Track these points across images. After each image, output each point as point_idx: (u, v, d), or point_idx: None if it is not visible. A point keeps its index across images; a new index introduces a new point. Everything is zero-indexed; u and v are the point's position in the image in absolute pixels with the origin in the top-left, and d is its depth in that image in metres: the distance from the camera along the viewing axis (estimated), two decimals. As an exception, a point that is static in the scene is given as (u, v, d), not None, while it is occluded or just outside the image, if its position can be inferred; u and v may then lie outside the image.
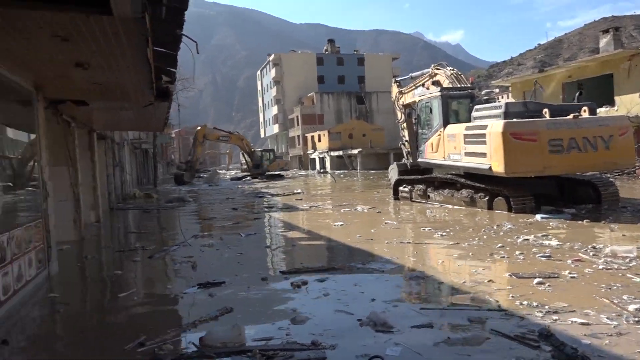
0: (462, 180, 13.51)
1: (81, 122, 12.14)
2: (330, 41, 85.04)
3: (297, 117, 74.97)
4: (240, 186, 32.51)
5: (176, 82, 8.79)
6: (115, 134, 20.38)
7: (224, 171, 79.01)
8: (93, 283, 7.44)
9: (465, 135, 12.92)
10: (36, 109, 7.31)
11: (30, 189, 6.96)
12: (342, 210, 14.54)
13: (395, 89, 18.95)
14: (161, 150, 66.62)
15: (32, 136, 7.18)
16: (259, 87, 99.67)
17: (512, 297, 5.35)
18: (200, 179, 41.97)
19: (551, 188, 13.19)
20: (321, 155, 63.60)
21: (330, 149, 60.52)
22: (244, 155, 46.19)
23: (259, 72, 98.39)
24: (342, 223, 11.70)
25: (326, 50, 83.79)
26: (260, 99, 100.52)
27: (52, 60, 5.75)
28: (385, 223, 11.35)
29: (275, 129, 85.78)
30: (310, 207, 16.18)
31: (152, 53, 5.38)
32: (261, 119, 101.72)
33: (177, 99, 9.12)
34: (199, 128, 40.45)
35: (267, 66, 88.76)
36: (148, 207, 18.31)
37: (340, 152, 57.95)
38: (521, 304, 5.10)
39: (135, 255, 8.86)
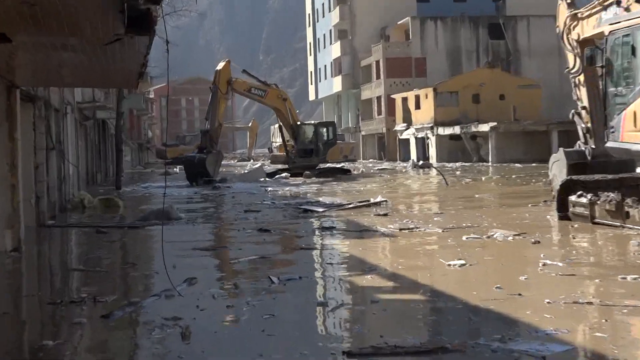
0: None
1: (-7, 72, 12.48)
2: None
3: (377, 63, 74.97)
4: (270, 189, 32.86)
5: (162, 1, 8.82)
6: (53, 94, 20.96)
7: (247, 162, 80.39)
8: (6, 361, 7.58)
9: None
10: None
11: None
12: (463, 238, 14.54)
13: (564, 11, 18.89)
14: (129, 123, 68.32)
15: None
16: (308, 9, 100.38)
17: None
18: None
19: None
20: (420, 135, 63.25)
21: (438, 123, 60.25)
22: (281, 132, 46.27)
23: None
24: (462, 262, 11.65)
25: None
26: (309, 31, 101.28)
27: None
28: (544, 264, 11.25)
29: (337, 85, 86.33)
30: (401, 230, 16.26)
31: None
32: (310, 67, 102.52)
33: (165, 31, 9.23)
34: (219, 66, 40.74)
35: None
36: (105, 226, 18.62)
37: (457, 129, 57.50)
38: None
39: (79, 312, 8.99)
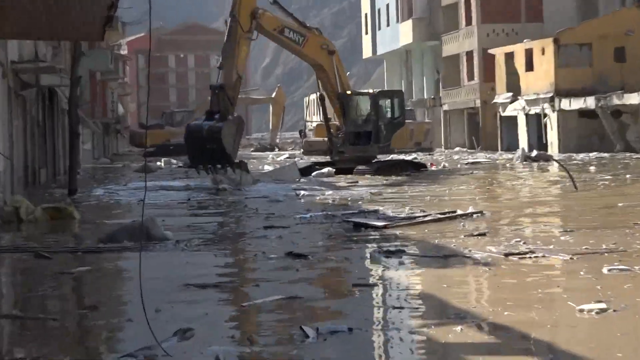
0: None
1: None
2: None
3: (467, 1, 75.01)
4: (303, 193, 33.44)
5: None
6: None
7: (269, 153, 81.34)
8: None
9: None
10: None
11: None
12: (603, 270, 14.50)
13: None
14: (91, 94, 68.79)
15: None
16: None
17: None
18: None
19: None
20: (534, 110, 63.36)
21: (562, 92, 60.21)
22: (322, 105, 46.09)
23: None
24: (602, 306, 11.55)
25: None
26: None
27: None
28: None
29: (405, 34, 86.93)
30: (507, 255, 16.41)
31: None
32: (364, 9, 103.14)
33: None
34: None
35: None
36: (51, 250, 18.80)
37: (591, 101, 57.37)
38: None
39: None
